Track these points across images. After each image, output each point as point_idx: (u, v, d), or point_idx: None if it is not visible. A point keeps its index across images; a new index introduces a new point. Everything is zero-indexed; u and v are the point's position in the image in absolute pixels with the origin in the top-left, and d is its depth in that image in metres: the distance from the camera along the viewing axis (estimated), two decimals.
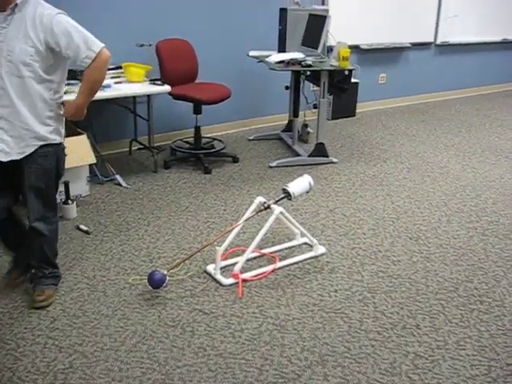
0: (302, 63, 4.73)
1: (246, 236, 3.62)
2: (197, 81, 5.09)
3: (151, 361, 2.46)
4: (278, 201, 3.31)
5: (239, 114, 6.05)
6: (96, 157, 4.21)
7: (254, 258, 3.35)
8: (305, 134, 5.79)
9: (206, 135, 5.39)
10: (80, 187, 4.11)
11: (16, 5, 2.50)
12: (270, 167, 4.94)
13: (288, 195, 3.31)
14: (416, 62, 7.50)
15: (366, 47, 6.79)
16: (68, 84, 4.33)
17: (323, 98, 4.90)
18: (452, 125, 6.58)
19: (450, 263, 3.36)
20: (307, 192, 3.44)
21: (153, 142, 4.91)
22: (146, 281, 2.96)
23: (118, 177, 4.47)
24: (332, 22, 4.85)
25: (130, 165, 4.92)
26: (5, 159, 2.61)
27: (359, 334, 2.67)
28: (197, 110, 4.87)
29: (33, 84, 2.55)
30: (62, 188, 3.86)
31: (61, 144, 2.78)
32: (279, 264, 3.29)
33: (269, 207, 3.27)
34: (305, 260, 3.37)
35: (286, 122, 5.90)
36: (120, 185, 4.42)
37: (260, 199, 3.32)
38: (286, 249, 3.49)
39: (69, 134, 4.07)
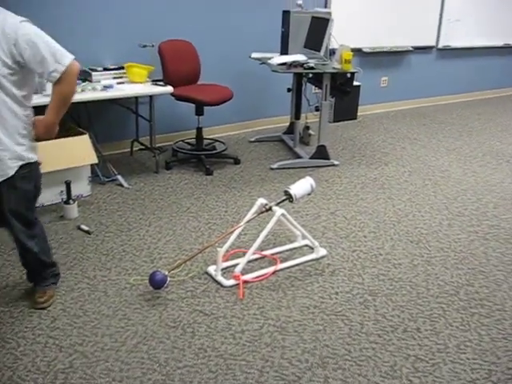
0: (305, 65, 4.73)
1: (247, 238, 3.62)
2: (199, 82, 5.10)
3: (152, 361, 2.46)
4: (280, 203, 3.31)
5: (241, 116, 6.05)
6: (98, 157, 4.21)
7: (255, 259, 3.35)
8: (306, 137, 5.79)
9: (207, 136, 5.39)
10: (82, 187, 4.12)
11: None
12: (272, 169, 4.94)
13: (290, 197, 3.31)
14: (418, 65, 7.51)
15: (368, 50, 6.79)
16: None
17: (325, 100, 4.91)
18: (453, 129, 6.58)
19: (450, 267, 3.36)
20: (309, 194, 3.44)
21: (154, 143, 4.91)
22: (147, 281, 2.96)
23: (119, 177, 4.47)
24: (334, 24, 4.85)
25: (132, 165, 4.92)
26: None
27: (360, 337, 2.67)
28: (199, 111, 4.87)
29: (4, 100, 2.38)
30: (63, 188, 3.87)
31: (37, 161, 2.63)
32: (280, 266, 3.29)
33: (270, 209, 3.27)
34: (306, 262, 3.37)
35: (288, 124, 5.90)
36: (121, 185, 4.43)
37: (261, 201, 3.32)
38: (287, 251, 3.49)
39: (70, 134, 4.10)
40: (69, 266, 3.21)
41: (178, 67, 4.85)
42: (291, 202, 3.35)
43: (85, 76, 4.53)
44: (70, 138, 4.03)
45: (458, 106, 7.85)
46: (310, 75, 5.22)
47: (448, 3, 7.45)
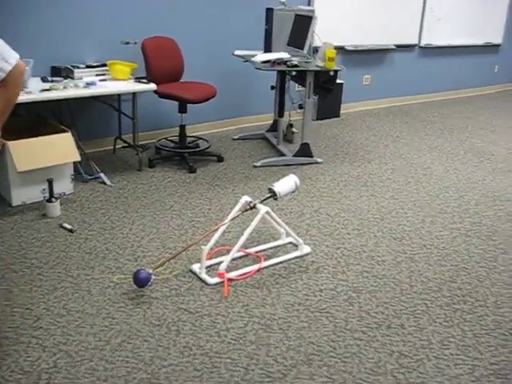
0: (288, 63, 4.73)
1: (231, 235, 3.61)
2: (182, 79, 5.08)
3: (136, 360, 2.44)
4: (264, 200, 3.31)
5: (224, 114, 6.04)
6: (80, 155, 4.17)
7: (240, 257, 3.35)
8: (289, 134, 5.80)
9: (190, 134, 5.37)
10: (64, 185, 4.08)
11: None
12: (255, 167, 4.94)
13: (274, 195, 3.31)
14: (400, 63, 7.56)
15: (350, 48, 6.82)
16: (52, 81, 4.32)
17: (309, 98, 4.92)
18: (435, 127, 6.64)
19: (433, 263, 3.39)
20: (293, 192, 3.44)
21: (137, 141, 4.88)
22: (131, 280, 2.94)
23: (102, 175, 4.44)
24: (318, 22, 4.86)
25: (115, 163, 4.89)
26: None
27: (344, 334, 2.69)
28: (182, 109, 4.85)
29: None
30: (45, 186, 3.83)
31: None
32: (264, 263, 3.29)
33: (254, 207, 3.27)
34: (290, 260, 3.37)
35: (271, 121, 5.91)
36: (104, 183, 4.39)
37: (246, 198, 3.32)
38: (271, 248, 3.49)
39: (53, 132, 4.06)
40: (51, 264, 3.18)
41: (161, 64, 4.83)
42: (275, 199, 3.35)
43: (67, 73, 4.49)
44: (52, 136, 3.99)
45: (439, 104, 7.92)
46: (294, 73, 5.23)
47: (430, 2, 7.52)
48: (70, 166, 4.10)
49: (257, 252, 3.42)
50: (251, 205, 3.27)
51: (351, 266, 3.32)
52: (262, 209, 3.23)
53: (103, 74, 4.61)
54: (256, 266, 3.24)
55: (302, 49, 4.89)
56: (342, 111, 6.90)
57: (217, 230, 3.29)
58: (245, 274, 3.17)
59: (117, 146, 5.17)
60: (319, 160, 5.12)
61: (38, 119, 4.34)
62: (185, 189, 4.38)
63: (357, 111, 7.22)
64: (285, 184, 3.37)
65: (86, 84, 4.26)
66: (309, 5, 6.29)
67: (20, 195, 3.89)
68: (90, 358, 2.44)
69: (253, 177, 4.70)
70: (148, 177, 4.60)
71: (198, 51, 5.51)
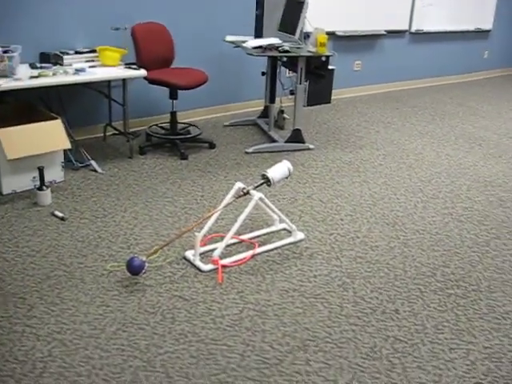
0: (280, 49, 4.70)
1: (225, 222, 3.60)
2: (173, 65, 5.03)
3: (132, 348, 2.43)
4: (258, 186, 3.30)
5: (215, 100, 6.00)
6: (70, 142, 4.12)
7: (233, 244, 3.34)
8: (281, 120, 5.78)
9: (181, 121, 5.33)
10: (54, 173, 4.04)
11: None
12: (247, 153, 4.92)
13: (267, 181, 3.30)
14: (391, 49, 7.54)
15: (341, 34, 6.78)
16: (41, 67, 4.27)
17: (300, 84, 4.89)
18: (426, 112, 6.64)
19: (426, 249, 3.40)
20: (286, 178, 3.43)
21: (128, 128, 4.83)
22: (125, 267, 2.93)
23: (93, 162, 4.40)
24: (309, 7, 4.82)
25: (105, 150, 4.85)
26: None
27: (339, 319, 2.69)
28: (173, 95, 4.81)
29: None
30: (36, 174, 3.79)
31: None
32: (258, 250, 3.28)
33: (248, 193, 3.25)
34: (284, 246, 3.37)
35: (262, 107, 5.87)
36: (95, 171, 4.36)
37: (239, 185, 3.30)
38: (264, 235, 3.49)
39: (43, 119, 4.01)
40: (44, 253, 3.16)
41: (151, 50, 4.77)
42: (269, 185, 3.33)
43: (56, 59, 4.43)
44: (42, 123, 3.94)
45: (430, 90, 7.92)
46: (285, 59, 5.19)
47: None
48: (61, 154, 4.06)
49: (250, 238, 3.41)
50: (244, 191, 3.26)
51: (345, 252, 3.32)
52: (256, 195, 3.22)
53: (93, 61, 4.55)
54: (250, 253, 3.23)
55: (294, 34, 4.86)
56: (332, 97, 6.85)
57: (210, 216, 3.27)
58: (239, 260, 3.16)
59: (107, 133, 5.12)
60: (311, 146, 5.10)
61: (28, 106, 4.28)
62: (177, 176, 4.36)
63: (348, 97, 7.20)
64: (278, 170, 3.35)
65: (75, 70, 4.21)
66: None
67: (10, 184, 3.85)
68: (85, 346, 2.43)
69: (245, 163, 4.68)
70: (139, 164, 4.57)
71: (188, 37, 5.46)
